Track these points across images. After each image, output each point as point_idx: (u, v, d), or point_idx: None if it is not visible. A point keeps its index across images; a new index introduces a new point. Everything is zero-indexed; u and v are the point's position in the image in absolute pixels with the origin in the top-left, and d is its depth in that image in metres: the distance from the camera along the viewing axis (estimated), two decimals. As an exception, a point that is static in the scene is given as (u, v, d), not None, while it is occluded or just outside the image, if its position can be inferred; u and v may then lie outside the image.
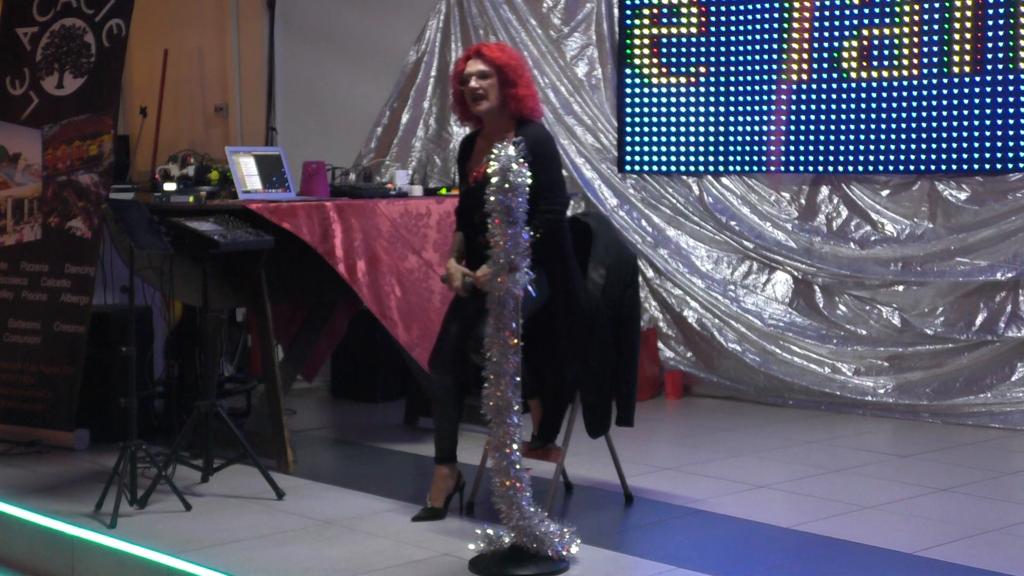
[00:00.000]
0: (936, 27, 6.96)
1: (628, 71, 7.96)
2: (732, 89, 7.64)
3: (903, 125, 7.11)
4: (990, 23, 6.81)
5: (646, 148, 7.96)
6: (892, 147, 7.16)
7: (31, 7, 6.94)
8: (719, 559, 4.70)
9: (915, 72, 7.05)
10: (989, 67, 6.83)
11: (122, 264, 6.37)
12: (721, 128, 7.69)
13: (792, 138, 7.46)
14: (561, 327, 5.15)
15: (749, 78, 7.58)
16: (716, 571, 4.53)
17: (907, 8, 7.04)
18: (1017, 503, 5.46)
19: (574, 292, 5.18)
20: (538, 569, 4.50)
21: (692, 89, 7.78)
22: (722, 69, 7.66)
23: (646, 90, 7.94)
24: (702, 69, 7.73)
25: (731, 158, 7.69)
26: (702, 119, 7.76)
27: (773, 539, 4.96)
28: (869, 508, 5.33)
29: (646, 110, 7.94)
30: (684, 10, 7.75)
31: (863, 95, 7.22)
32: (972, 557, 4.63)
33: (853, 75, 7.23)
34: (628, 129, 8.00)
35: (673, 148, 7.88)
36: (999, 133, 6.84)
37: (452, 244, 5.33)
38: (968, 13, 6.87)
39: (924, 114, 7.04)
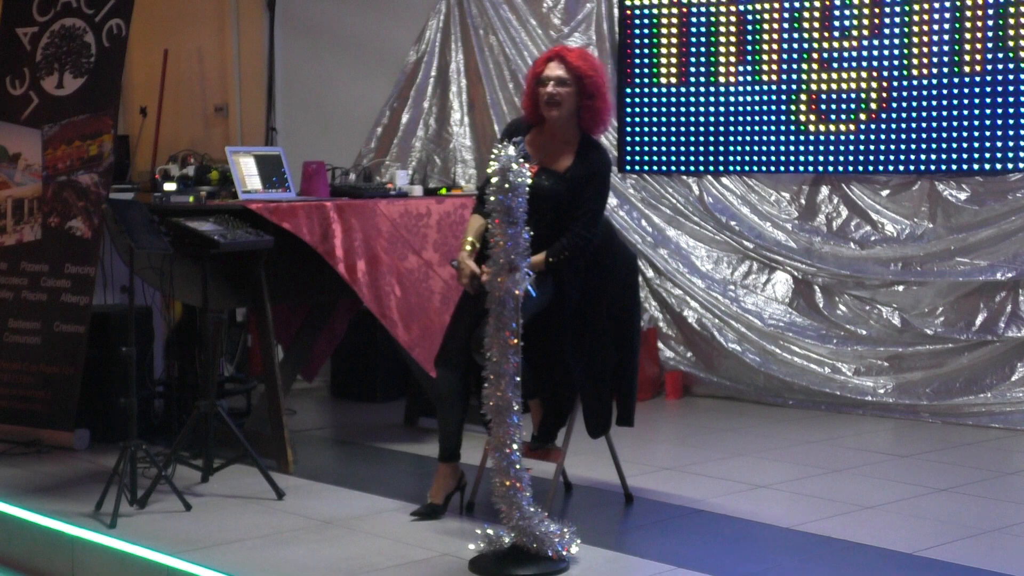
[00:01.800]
0: (936, 27, 6.97)
1: (628, 71, 7.97)
2: (732, 89, 7.64)
3: (903, 125, 7.11)
4: (990, 23, 6.82)
5: (646, 148, 7.96)
6: (892, 147, 7.17)
7: (31, 7, 6.94)
8: (719, 559, 4.70)
9: (915, 72, 7.05)
10: (989, 67, 6.84)
11: (122, 264, 6.37)
12: (721, 128, 7.70)
13: (792, 138, 7.47)
14: (565, 331, 5.15)
15: (749, 78, 7.58)
16: (716, 571, 4.53)
17: (915, 8, 7.05)
18: (1017, 503, 5.46)
19: (577, 296, 5.18)
20: (538, 569, 4.50)
21: (692, 89, 7.78)
22: (722, 69, 7.66)
23: (646, 90, 7.94)
24: (702, 69, 7.74)
25: (731, 158, 7.70)
26: (702, 119, 7.76)
27: (773, 539, 4.96)
28: (869, 508, 5.34)
29: (646, 110, 7.94)
30: (684, 10, 7.76)
31: (863, 95, 7.22)
32: (972, 557, 4.63)
33: (854, 75, 7.24)
34: (628, 129, 8.00)
35: (673, 148, 7.88)
36: (999, 133, 6.85)
37: (467, 227, 5.21)
38: (968, 13, 6.87)
39: (924, 114, 7.04)
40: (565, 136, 5.17)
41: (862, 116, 7.22)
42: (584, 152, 5.14)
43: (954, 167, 7.01)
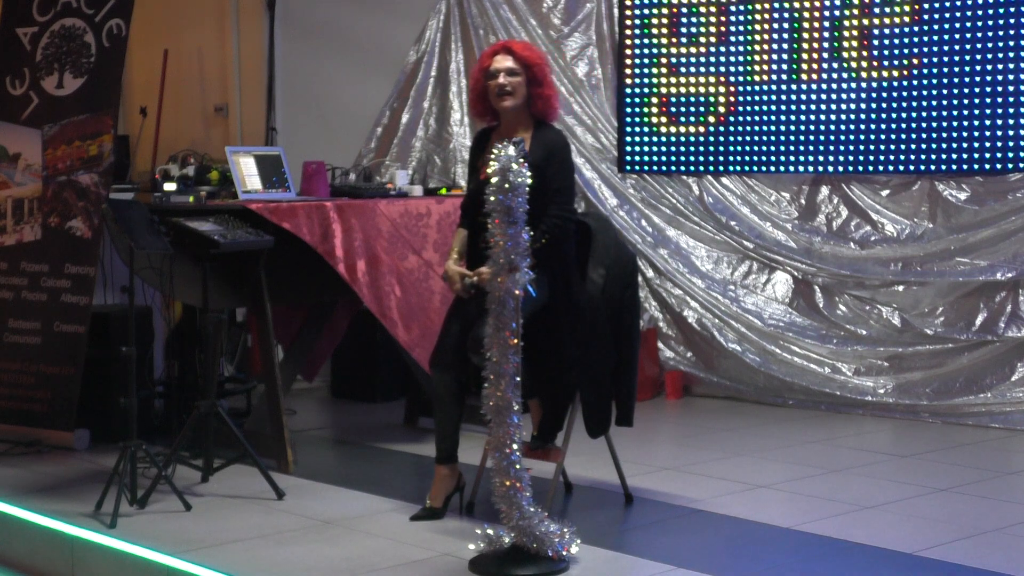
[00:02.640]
0: (936, 27, 6.97)
1: (628, 71, 7.96)
2: (733, 89, 7.64)
3: (903, 125, 7.11)
4: (990, 22, 6.82)
5: (646, 148, 7.96)
6: (892, 147, 7.16)
7: (31, 7, 6.94)
8: (719, 559, 4.70)
9: (915, 72, 7.05)
10: (989, 67, 6.84)
11: (122, 264, 6.37)
12: (721, 128, 7.70)
13: (792, 138, 7.47)
14: (563, 330, 5.15)
15: (750, 78, 7.58)
16: (716, 571, 4.53)
17: (909, 7, 7.05)
18: (1017, 503, 5.46)
19: (575, 294, 5.18)
20: (538, 569, 4.50)
21: (694, 89, 7.78)
22: (722, 69, 7.66)
23: (646, 90, 7.94)
24: (703, 69, 7.73)
25: (731, 158, 7.69)
26: (702, 119, 7.76)
27: (773, 539, 4.96)
28: (869, 508, 5.33)
29: (646, 110, 7.94)
30: (685, 10, 7.76)
31: (863, 95, 7.22)
32: (972, 557, 4.63)
33: (854, 75, 7.24)
34: (628, 129, 8.00)
35: (673, 148, 7.88)
36: (999, 133, 6.85)
37: (453, 241, 5.32)
38: (968, 13, 6.87)
39: (924, 114, 7.04)
40: (519, 127, 5.23)
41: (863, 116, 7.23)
42: (539, 135, 5.21)
43: (954, 167, 7.00)
